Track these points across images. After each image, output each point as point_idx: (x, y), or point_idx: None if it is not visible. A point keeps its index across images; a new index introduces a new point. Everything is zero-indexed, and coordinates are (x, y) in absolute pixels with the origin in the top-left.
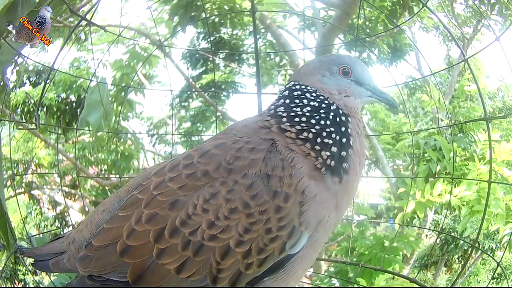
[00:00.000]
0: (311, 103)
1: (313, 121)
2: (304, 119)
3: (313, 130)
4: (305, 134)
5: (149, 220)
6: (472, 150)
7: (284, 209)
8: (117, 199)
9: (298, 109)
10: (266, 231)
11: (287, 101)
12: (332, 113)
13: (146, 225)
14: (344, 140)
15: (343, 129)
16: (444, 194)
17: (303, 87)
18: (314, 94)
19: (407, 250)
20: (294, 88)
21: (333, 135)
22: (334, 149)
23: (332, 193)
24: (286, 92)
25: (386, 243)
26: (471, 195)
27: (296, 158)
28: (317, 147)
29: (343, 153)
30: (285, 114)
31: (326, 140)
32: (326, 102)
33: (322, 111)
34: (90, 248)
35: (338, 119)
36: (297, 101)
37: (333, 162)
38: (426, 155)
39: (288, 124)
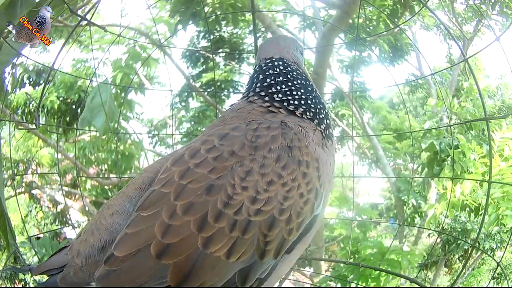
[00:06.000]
0: (302, 81)
1: (309, 95)
2: (302, 95)
3: (313, 107)
4: (308, 114)
5: (187, 210)
6: (487, 148)
7: (309, 175)
8: (127, 199)
9: (295, 89)
10: (300, 196)
11: (282, 78)
12: (313, 87)
13: (184, 217)
14: (323, 105)
15: (319, 97)
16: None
17: (289, 63)
18: (299, 71)
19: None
20: (281, 64)
21: (319, 106)
22: (321, 115)
23: (331, 155)
24: (276, 70)
25: (388, 254)
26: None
27: (307, 132)
28: (312, 115)
29: (326, 119)
30: (288, 94)
31: (316, 109)
32: (309, 78)
33: (309, 88)
34: (114, 261)
35: (316, 90)
36: (290, 77)
37: (324, 125)
38: (442, 155)
39: (296, 103)
